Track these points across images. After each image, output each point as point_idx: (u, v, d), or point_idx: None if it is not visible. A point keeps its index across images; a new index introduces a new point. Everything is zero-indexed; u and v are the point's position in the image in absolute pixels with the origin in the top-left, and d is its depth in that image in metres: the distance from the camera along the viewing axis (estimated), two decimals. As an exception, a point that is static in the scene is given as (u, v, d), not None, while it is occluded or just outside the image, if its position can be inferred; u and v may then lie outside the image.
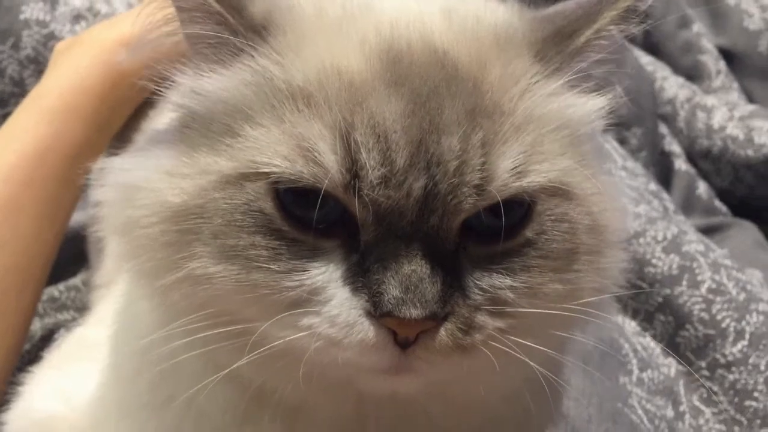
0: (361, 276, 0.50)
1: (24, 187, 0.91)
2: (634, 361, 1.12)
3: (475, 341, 0.51)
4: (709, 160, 1.67)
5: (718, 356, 1.17)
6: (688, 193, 1.63)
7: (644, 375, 1.12)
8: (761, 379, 1.13)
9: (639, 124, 1.60)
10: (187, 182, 0.53)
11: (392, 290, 0.49)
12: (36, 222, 0.93)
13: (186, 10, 0.55)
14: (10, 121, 0.96)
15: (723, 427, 1.14)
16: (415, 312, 0.49)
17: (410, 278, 0.49)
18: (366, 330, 0.50)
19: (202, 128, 0.55)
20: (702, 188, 1.65)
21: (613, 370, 1.08)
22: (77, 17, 1.27)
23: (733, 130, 1.63)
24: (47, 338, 1.05)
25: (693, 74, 1.81)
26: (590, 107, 0.58)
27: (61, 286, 1.16)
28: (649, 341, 1.21)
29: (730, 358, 1.16)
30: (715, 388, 1.16)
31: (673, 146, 1.69)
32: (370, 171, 0.50)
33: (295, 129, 0.51)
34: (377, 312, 0.49)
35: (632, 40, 1.70)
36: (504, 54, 0.56)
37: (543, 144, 0.54)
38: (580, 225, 0.55)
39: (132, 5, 1.31)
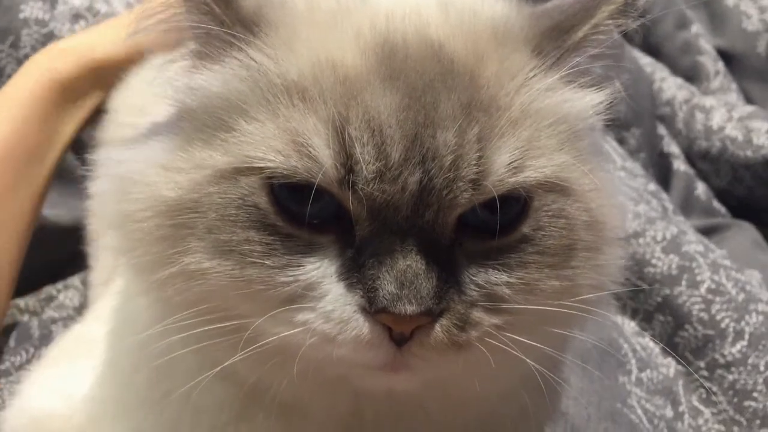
0: (356, 271, 0.50)
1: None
2: (633, 361, 1.12)
3: (470, 338, 0.51)
4: (707, 161, 1.67)
5: (717, 356, 1.17)
6: (686, 194, 1.63)
7: (643, 375, 1.12)
8: (760, 380, 1.13)
9: (637, 124, 1.60)
10: (181, 176, 0.53)
11: (387, 286, 0.49)
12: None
13: (181, 1, 0.55)
14: None
15: (722, 428, 1.13)
16: (410, 308, 0.48)
17: (405, 274, 0.49)
18: (361, 326, 0.50)
19: (197, 122, 0.55)
20: (701, 189, 1.65)
21: (613, 369, 1.08)
22: (76, 16, 1.27)
23: (732, 131, 1.62)
24: (45, 337, 1.05)
25: (691, 75, 1.81)
26: (588, 102, 0.58)
27: (59, 284, 1.16)
28: (648, 341, 1.21)
29: (729, 358, 1.16)
30: (715, 389, 1.16)
31: (672, 147, 1.69)
32: (364, 166, 0.49)
33: (289, 123, 0.51)
34: (372, 308, 0.49)
35: (631, 40, 1.70)
36: (501, 48, 0.56)
37: (540, 139, 0.54)
38: (578, 221, 0.55)
39: (131, 4, 1.31)
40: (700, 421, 1.14)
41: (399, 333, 0.50)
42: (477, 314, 0.51)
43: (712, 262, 1.25)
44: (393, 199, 0.50)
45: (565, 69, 0.57)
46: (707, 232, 1.50)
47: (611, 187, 0.62)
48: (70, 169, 1.15)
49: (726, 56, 1.83)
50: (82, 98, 1.05)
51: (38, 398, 0.74)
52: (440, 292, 0.50)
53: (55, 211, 1.16)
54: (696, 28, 1.84)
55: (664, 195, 1.48)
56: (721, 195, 1.67)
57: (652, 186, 1.46)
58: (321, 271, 0.51)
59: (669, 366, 1.19)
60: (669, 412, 1.11)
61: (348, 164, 0.50)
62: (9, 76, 1.21)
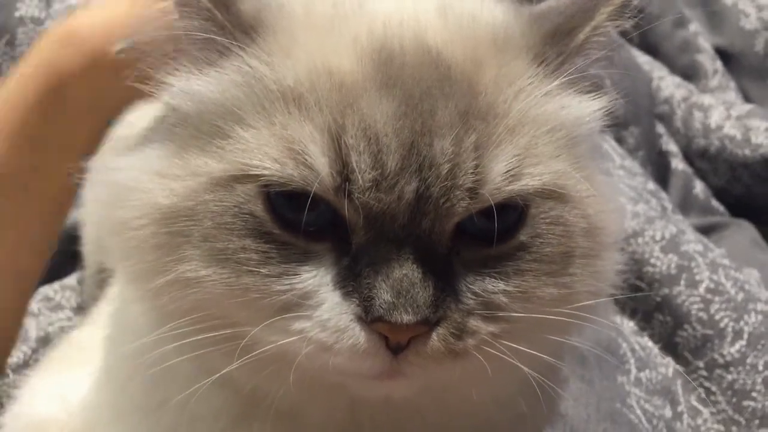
0: (352, 280, 0.50)
1: None
2: (632, 361, 1.12)
3: (467, 346, 0.51)
4: (706, 160, 1.67)
5: (716, 356, 1.17)
6: (685, 193, 1.63)
7: (642, 375, 1.12)
8: (759, 379, 1.13)
9: (636, 123, 1.59)
10: (177, 184, 0.53)
11: (383, 295, 0.49)
12: None
13: (179, 5, 0.55)
14: None
15: (721, 427, 1.13)
16: (406, 317, 0.48)
17: (402, 282, 0.49)
18: (357, 335, 0.50)
19: (192, 129, 0.54)
20: (699, 188, 1.65)
21: (611, 369, 1.08)
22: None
23: (730, 129, 1.62)
24: (43, 339, 1.05)
25: (690, 74, 1.81)
26: (586, 109, 0.58)
27: (56, 285, 1.15)
28: (647, 341, 1.20)
29: (728, 358, 1.16)
30: (714, 388, 1.16)
31: (670, 146, 1.68)
32: (360, 174, 0.49)
33: (285, 131, 0.51)
34: (368, 317, 0.49)
35: (629, 39, 1.70)
36: (501, 55, 0.55)
37: (537, 146, 0.53)
38: (576, 228, 0.55)
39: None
40: (699, 421, 1.14)
41: (395, 342, 0.50)
42: (474, 323, 0.51)
43: (711, 261, 1.25)
44: (389, 208, 0.49)
45: (565, 74, 0.56)
46: (706, 230, 1.50)
47: (609, 192, 0.61)
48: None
49: (724, 55, 1.82)
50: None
51: (35, 404, 0.74)
52: (437, 301, 0.50)
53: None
54: (694, 26, 1.84)
55: (663, 194, 1.48)
56: (719, 193, 1.66)
57: (651, 185, 1.46)
58: (317, 280, 0.51)
59: (668, 366, 1.18)
60: (668, 412, 1.11)
61: (344, 172, 0.49)
62: (5, 75, 1.21)
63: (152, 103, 0.59)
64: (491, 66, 0.54)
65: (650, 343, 1.20)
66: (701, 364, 1.18)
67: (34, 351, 1.03)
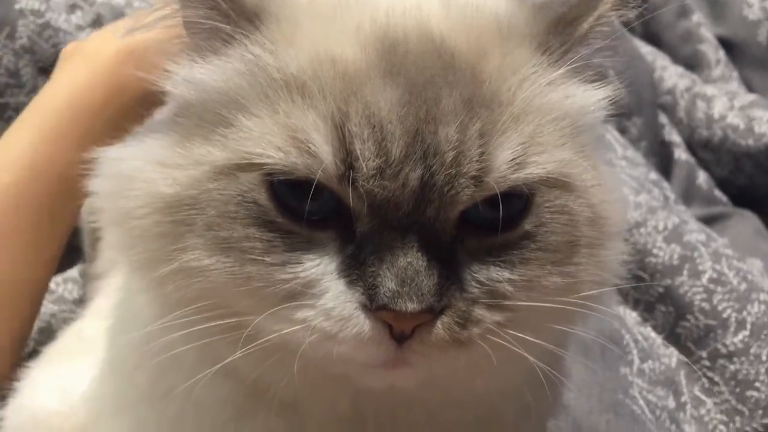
0: (357, 268, 0.50)
1: (13, 212, 0.90)
2: (635, 352, 1.12)
3: (472, 335, 0.51)
4: (709, 150, 1.67)
5: (719, 346, 1.17)
6: (688, 183, 1.63)
7: (645, 365, 1.12)
8: (762, 369, 1.13)
9: (639, 113, 1.59)
10: (180, 173, 0.53)
11: (388, 283, 0.48)
12: (26, 246, 0.91)
13: None
14: (6, 137, 0.94)
15: (724, 417, 1.14)
16: (411, 305, 0.48)
17: (406, 271, 0.49)
18: (361, 324, 0.49)
19: (195, 118, 0.54)
20: (702, 178, 1.65)
21: (615, 360, 1.08)
22: (73, 6, 1.26)
23: (734, 119, 1.62)
24: (44, 330, 1.05)
25: (692, 64, 1.81)
26: (590, 98, 0.58)
27: (58, 278, 1.15)
28: (650, 331, 1.20)
29: (731, 348, 1.16)
30: (717, 379, 1.16)
31: (673, 136, 1.68)
32: (364, 162, 0.49)
33: (289, 119, 0.50)
34: (373, 305, 0.49)
35: (632, 29, 1.70)
36: (505, 43, 0.55)
37: (542, 135, 0.53)
38: (580, 217, 0.55)
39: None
40: (702, 411, 1.14)
41: (400, 330, 0.49)
42: (478, 311, 0.51)
43: (713, 251, 1.25)
44: (394, 196, 0.49)
45: (569, 63, 0.56)
46: (708, 221, 1.50)
47: (613, 182, 0.61)
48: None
49: (727, 45, 1.83)
50: None
51: (38, 396, 0.74)
52: (441, 290, 0.49)
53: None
54: (697, 16, 1.84)
55: (665, 184, 1.48)
56: (722, 184, 1.67)
57: (654, 175, 1.46)
58: (321, 268, 0.51)
59: (671, 356, 1.19)
60: (671, 403, 1.11)
61: (348, 160, 0.49)
62: (5, 68, 1.21)
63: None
64: (495, 55, 0.54)
65: (653, 334, 1.21)
66: (704, 354, 1.18)
67: (36, 342, 1.03)
